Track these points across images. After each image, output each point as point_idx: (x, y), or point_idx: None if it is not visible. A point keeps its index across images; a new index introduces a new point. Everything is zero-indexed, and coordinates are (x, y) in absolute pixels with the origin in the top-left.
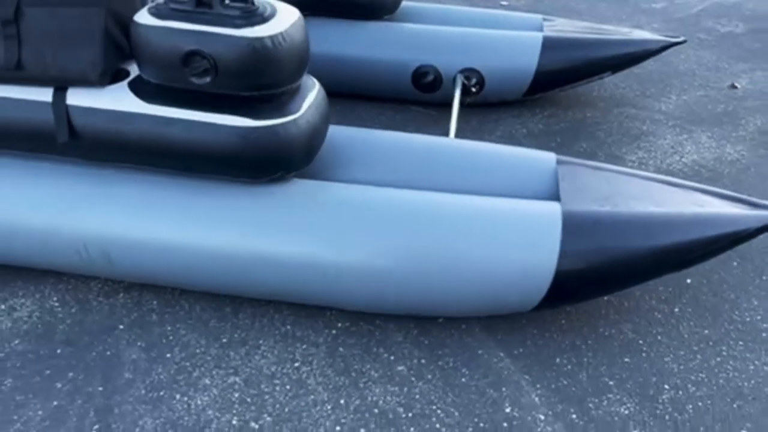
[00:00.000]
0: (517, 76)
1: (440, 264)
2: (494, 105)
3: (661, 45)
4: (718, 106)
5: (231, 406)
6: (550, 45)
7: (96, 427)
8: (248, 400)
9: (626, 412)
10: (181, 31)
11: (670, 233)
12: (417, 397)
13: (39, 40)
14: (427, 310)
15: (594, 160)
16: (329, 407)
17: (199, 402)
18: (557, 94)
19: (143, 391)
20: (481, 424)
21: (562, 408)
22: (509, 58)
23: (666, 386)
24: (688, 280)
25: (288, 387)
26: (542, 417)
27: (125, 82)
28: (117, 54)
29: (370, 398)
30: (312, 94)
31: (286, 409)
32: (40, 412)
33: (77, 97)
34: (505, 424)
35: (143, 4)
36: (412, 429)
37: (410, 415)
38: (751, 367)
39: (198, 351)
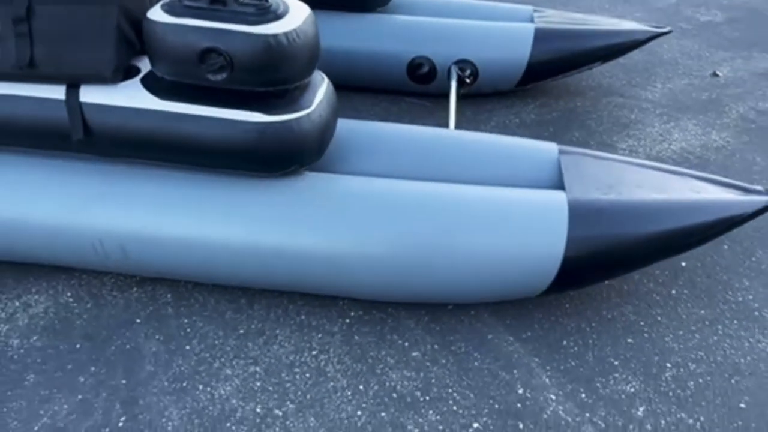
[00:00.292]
0: (510, 67)
1: (453, 252)
2: (487, 95)
3: (648, 35)
4: (702, 94)
5: (254, 395)
6: (541, 36)
7: (123, 418)
8: (270, 388)
9: (632, 390)
10: (197, 29)
11: (672, 219)
12: (433, 381)
13: (51, 37)
14: (440, 298)
15: (587, 149)
16: (349, 393)
17: (222, 392)
18: (548, 83)
19: (166, 383)
20: (496, 405)
21: (571, 388)
22: (502, 50)
23: (668, 364)
24: (683, 263)
25: (308, 375)
26: (553, 397)
27: (137, 79)
28: (129, 50)
29: (388, 383)
30: (322, 89)
31: (308, 396)
32: (65, 406)
33: (91, 95)
34: (518, 405)
35: (151, 1)
36: (430, 411)
37: (427, 398)
38: (746, 345)
39: (216, 342)
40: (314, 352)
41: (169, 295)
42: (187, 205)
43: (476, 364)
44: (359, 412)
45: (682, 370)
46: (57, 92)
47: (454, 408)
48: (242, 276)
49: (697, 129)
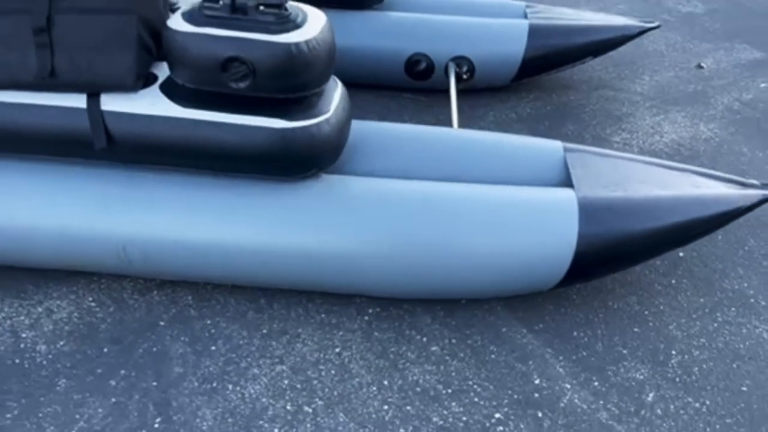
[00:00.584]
0: (505, 63)
1: (468, 250)
2: (482, 91)
3: (638, 30)
4: (688, 86)
5: (283, 393)
6: (536, 32)
7: (158, 420)
8: (298, 386)
9: (641, 377)
10: (220, 38)
11: (676, 214)
12: (453, 374)
13: (72, 47)
14: (456, 294)
15: (582, 143)
16: (374, 388)
17: (252, 391)
18: (540, 77)
19: (196, 384)
20: (515, 396)
21: (584, 377)
22: (498, 46)
23: (673, 352)
24: (681, 254)
25: (333, 372)
26: (568, 386)
27: (156, 86)
28: (148, 58)
29: (410, 378)
30: (337, 93)
31: (335, 393)
32: (100, 410)
33: (112, 103)
34: (536, 395)
35: (165, 7)
36: (453, 404)
37: (449, 391)
38: (744, 331)
39: (241, 342)
40: (337, 350)
41: (189, 297)
42: (209, 209)
43: (493, 356)
44: (386, 407)
45: (686, 356)
46: (78, 101)
47: (476, 400)
48: (264, 277)
49: (686, 121)
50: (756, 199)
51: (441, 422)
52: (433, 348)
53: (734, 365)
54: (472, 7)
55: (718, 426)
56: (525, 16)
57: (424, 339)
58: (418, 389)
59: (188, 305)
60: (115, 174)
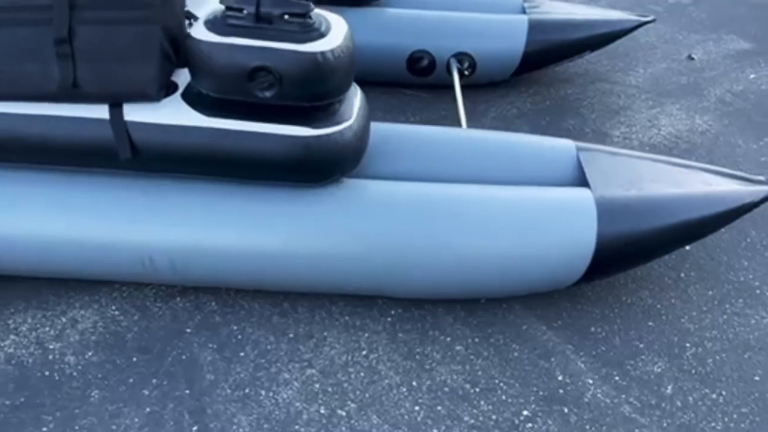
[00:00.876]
0: (506, 59)
1: (490, 252)
2: (482, 87)
3: (635, 24)
4: (681, 78)
5: (315, 397)
6: (535, 27)
7: (195, 428)
8: (329, 389)
9: (659, 370)
10: (246, 48)
11: (689, 211)
12: (479, 373)
13: (94, 57)
14: (479, 294)
15: (584, 137)
16: (404, 389)
17: (284, 396)
18: (538, 72)
19: (229, 391)
20: (540, 393)
21: (605, 372)
22: (499, 41)
23: (687, 344)
24: (687, 247)
25: (362, 374)
26: (591, 381)
27: (178, 95)
28: (170, 67)
29: (438, 378)
30: (357, 98)
31: (367, 395)
32: (136, 420)
33: (136, 113)
34: (561, 391)
35: (183, 13)
36: (482, 402)
37: (477, 390)
38: (753, 321)
39: (269, 347)
40: (364, 352)
41: (213, 303)
42: (235, 215)
43: (516, 354)
44: (417, 408)
45: (700, 348)
46: (101, 112)
47: (503, 398)
48: (293, 281)
49: (681, 114)
50: (763, 194)
51: (472, 421)
52: (458, 347)
53: (746, 356)
54: (469, 3)
55: (735, 416)
56: (523, 11)
57: (448, 339)
58: (447, 389)
59: (213, 311)
60: (138, 183)
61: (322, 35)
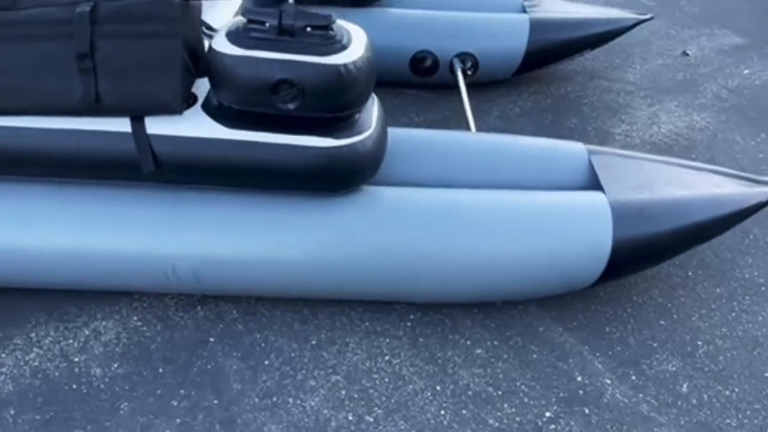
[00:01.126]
0: (508, 58)
1: (507, 256)
2: (484, 86)
3: (634, 22)
4: (677, 74)
5: (342, 404)
6: (537, 26)
7: None
8: (355, 396)
9: (673, 368)
10: (270, 61)
11: (700, 213)
12: (501, 376)
13: (116, 72)
14: (498, 297)
15: (586, 136)
16: (429, 394)
17: (312, 403)
18: (539, 70)
19: (257, 399)
20: (561, 394)
21: (622, 371)
22: (501, 41)
23: (699, 342)
24: None
25: (387, 380)
26: (608, 381)
27: (198, 107)
28: (190, 79)
29: (461, 382)
30: (375, 107)
31: (393, 400)
32: (167, 431)
33: (158, 126)
34: (580, 392)
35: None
36: (505, 405)
37: (500, 393)
38: (760, 318)
39: (293, 355)
40: (387, 357)
41: (234, 312)
42: (257, 225)
43: (535, 356)
44: (442, 412)
45: (711, 346)
46: (122, 125)
47: (525, 400)
48: (313, 288)
49: (679, 110)
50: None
51: (497, 424)
52: (478, 351)
53: (755, 352)
54: (470, 2)
55: (748, 412)
56: (524, 10)
57: (468, 342)
58: (470, 393)
59: (234, 320)
60: (161, 195)
61: (344, 47)
